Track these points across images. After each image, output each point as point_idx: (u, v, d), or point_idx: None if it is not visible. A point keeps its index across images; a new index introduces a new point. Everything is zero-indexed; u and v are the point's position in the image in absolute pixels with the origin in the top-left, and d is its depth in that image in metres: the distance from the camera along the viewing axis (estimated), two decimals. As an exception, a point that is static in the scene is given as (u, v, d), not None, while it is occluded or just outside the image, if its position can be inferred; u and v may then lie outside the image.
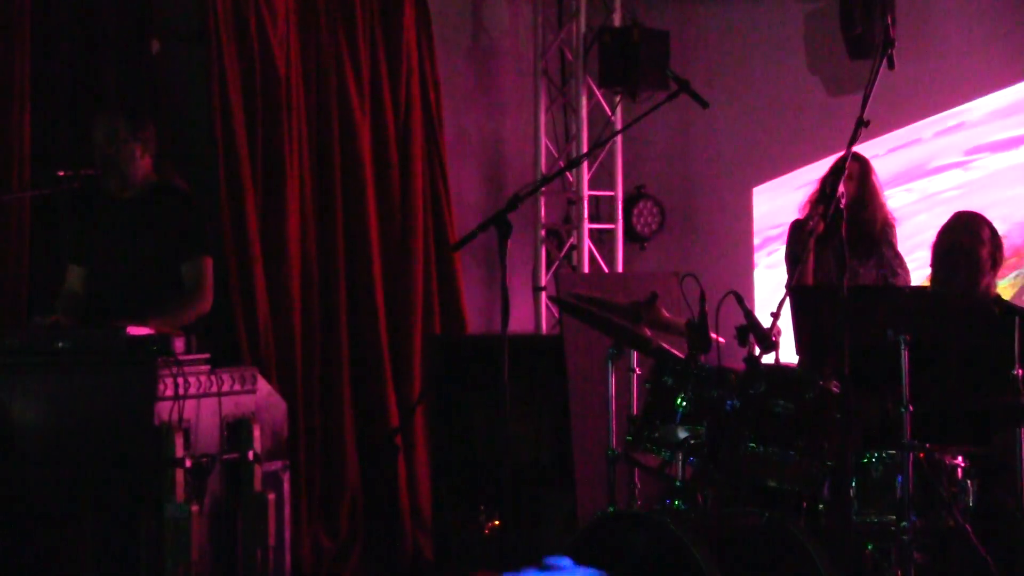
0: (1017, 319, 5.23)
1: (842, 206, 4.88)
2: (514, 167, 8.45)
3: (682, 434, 5.05)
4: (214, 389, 5.42)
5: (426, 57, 7.85)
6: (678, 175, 8.70)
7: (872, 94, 4.88)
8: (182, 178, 6.16)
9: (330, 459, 7.31)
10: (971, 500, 5.04)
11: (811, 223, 6.31)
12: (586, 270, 8.32)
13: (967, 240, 5.62)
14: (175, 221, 5.85)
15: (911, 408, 4.92)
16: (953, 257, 5.62)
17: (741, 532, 4.90)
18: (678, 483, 4.97)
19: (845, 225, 4.88)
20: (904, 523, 4.85)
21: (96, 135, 5.84)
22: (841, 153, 5.16)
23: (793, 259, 6.53)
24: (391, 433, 7.22)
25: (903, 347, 4.89)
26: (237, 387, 5.57)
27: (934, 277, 5.68)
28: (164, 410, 5.19)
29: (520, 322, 8.19)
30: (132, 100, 6.72)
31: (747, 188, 8.54)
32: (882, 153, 7.93)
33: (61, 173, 5.79)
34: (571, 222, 8.51)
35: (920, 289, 6.02)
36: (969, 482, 5.04)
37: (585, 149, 8.22)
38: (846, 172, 5.06)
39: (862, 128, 5.02)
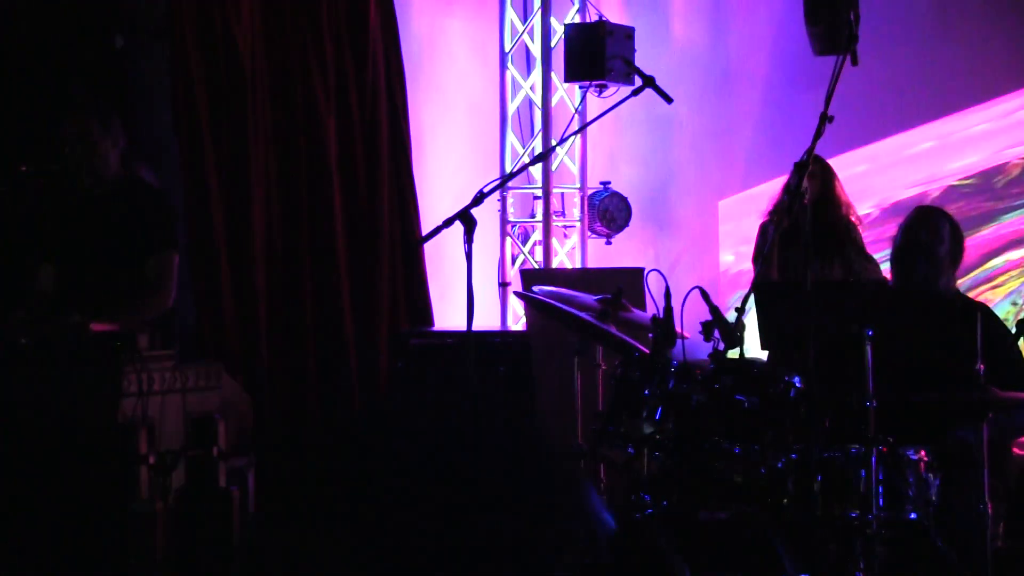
0: (979, 314, 5.25)
1: (806, 202, 4.90)
2: (481, 162, 8.45)
3: (648, 429, 5.06)
4: (178, 385, 5.40)
5: (391, 53, 7.84)
6: (645, 171, 8.71)
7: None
8: (151, 172, 6.14)
9: (296, 455, 7.29)
10: (934, 494, 5.06)
11: (776, 218, 6.34)
12: (551, 266, 8.33)
13: (926, 236, 5.64)
14: (142, 217, 5.83)
15: (874, 403, 4.94)
16: (912, 253, 5.64)
17: (707, 527, 4.92)
18: (644, 478, 4.98)
19: (810, 221, 4.90)
20: (868, 517, 4.87)
21: (67, 133, 5.81)
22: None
23: (760, 259, 6.57)
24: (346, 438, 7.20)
25: (866, 342, 4.91)
26: (202, 383, 5.55)
27: (894, 273, 5.70)
28: (128, 407, 5.17)
29: (485, 318, 8.19)
30: (97, 96, 6.70)
31: (714, 184, 8.56)
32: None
33: (23, 168, 5.77)
34: (536, 217, 8.51)
35: (881, 284, 6.04)
36: (932, 476, 5.07)
37: (551, 144, 8.23)
38: (809, 168, 5.08)
39: (826, 124, 5.05)
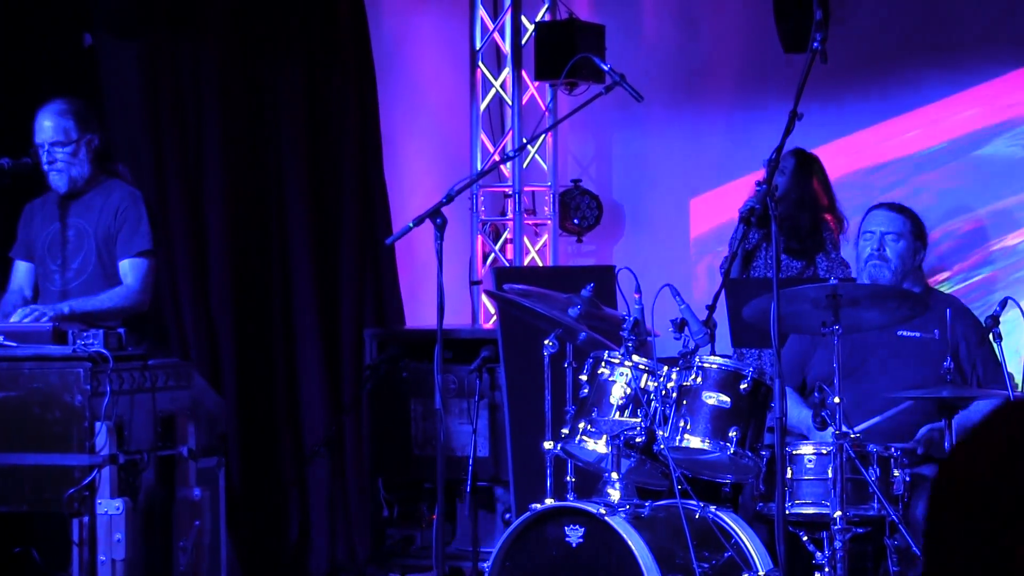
0: (948, 311, 5.27)
1: (774, 199, 4.91)
2: (451, 160, 8.44)
3: (618, 427, 5.06)
4: (148, 385, 5.38)
5: (361, 51, 7.82)
6: (616, 169, 8.71)
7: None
8: (128, 172, 6.12)
9: (266, 455, 7.28)
10: (903, 491, 5.08)
11: (747, 213, 6.33)
12: (522, 264, 8.32)
13: (889, 232, 5.65)
14: (119, 218, 5.82)
15: (842, 399, 4.96)
16: (878, 250, 5.65)
17: (677, 524, 4.92)
18: (614, 476, 4.99)
19: (778, 219, 4.91)
20: (835, 514, 4.88)
21: (43, 134, 5.78)
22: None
23: (734, 243, 6.57)
24: (317, 446, 7.21)
25: (835, 339, 4.92)
26: (171, 383, 5.53)
27: (860, 271, 5.72)
28: (96, 406, 5.15)
29: (456, 316, 8.18)
30: (72, 93, 6.67)
31: (685, 182, 8.56)
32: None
33: None
34: (507, 216, 8.51)
35: (847, 280, 6.06)
36: (899, 472, 5.08)
37: (521, 142, 8.22)
38: (778, 165, 5.09)
39: (796, 120, 5.07)
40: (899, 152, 7.86)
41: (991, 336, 5.26)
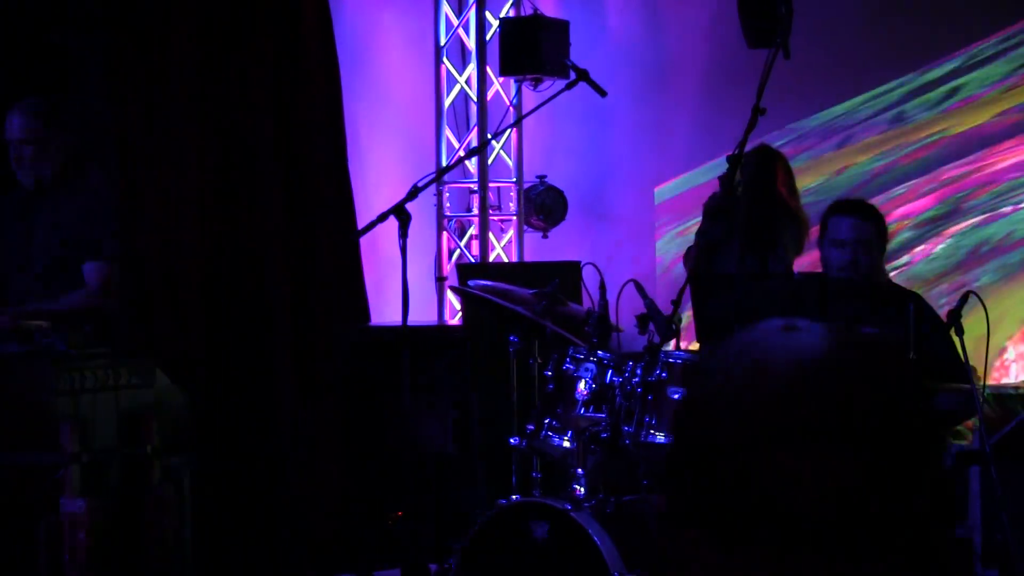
0: (911, 304, 5.29)
1: (736, 194, 4.92)
2: (416, 156, 8.43)
3: (583, 423, 5.07)
4: (111, 383, 5.36)
5: (326, 47, 7.80)
6: (581, 164, 8.72)
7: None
8: (99, 172, 6.09)
9: (234, 453, 7.25)
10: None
11: (709, 208, 6.35)
12: (488, 260, 8.32)
13: (853, 226, 5.67)
14: (85, 219, 5.79)
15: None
16: (842, 245, 5.66)
17: (642, 520, 4.93)
18: (579, 471, 4.99)
19: (742, 216, 4.92)
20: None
21: (12, 132, 5.75)
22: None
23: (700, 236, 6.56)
24: (286, 443, 7.19)
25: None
26: (135, 381, 5.51)
27: (825, 265, 5.72)
28: (60, 405, 5.12)
29: (422, 313, 8.17)
30: (41, 90, 6.63)
31: (650, 178, 8.58)
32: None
33: None
34: (472, 212, 8.50)
35: (816, 275, 6.07)
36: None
37: (486, 138, 8.22)
38: (740, 161, 5.10)
39: (759, 116, 5.08)
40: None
41: (952, 330, 5.28)
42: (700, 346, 6.26)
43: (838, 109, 8.17)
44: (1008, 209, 7.85)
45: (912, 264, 8.02)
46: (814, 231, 6.23)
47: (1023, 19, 7.93)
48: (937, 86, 8.01)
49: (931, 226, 8.00)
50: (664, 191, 8.55)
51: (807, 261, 6.67)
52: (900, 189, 8.02)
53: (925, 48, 8.01)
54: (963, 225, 7.96)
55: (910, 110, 8.07)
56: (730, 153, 5.18)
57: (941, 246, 8.01)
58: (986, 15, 7.95)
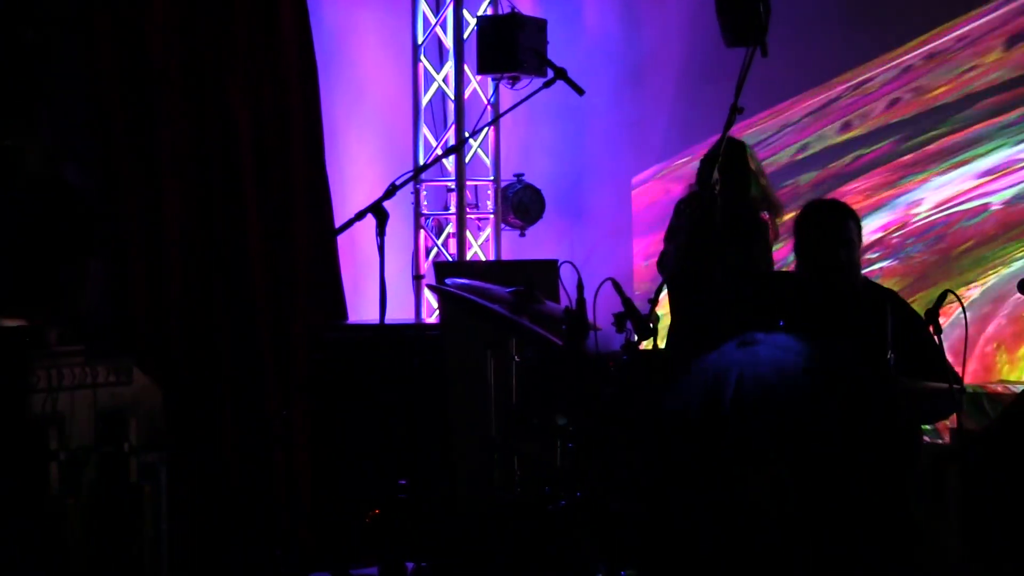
0: (888, 304, 5.31)
1: (716, 192, 4.94)
2: (394, 155, 8.43)
3: (561, 421, 5.08)
4: (89, 381, 5.35)
5: (304, 46, 7.80)
6: (558, 163, 8.73)
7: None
8: (76, 172, 6.08)
9: (210, 450, 7.25)
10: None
11: (686, 205, 6.35)
12: (466, 258, 8.32)
13: (834, 228, 5.68)
14: (59, 220, 5.78)
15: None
16: (825, 246, 5.67)
17: (619, 518, 4.94)
18: (557, 470, 5.00)
19: (719, 213, 4.94)
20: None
21: None
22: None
23: (670, 237, 6.55)
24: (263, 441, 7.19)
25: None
26: (112, 379, 5.51)
27: (805, 267, 5.72)
28: (38, 402, 5.12)
29: (399, 311, 8.18)
30: (14, 92, 6.62)
31: (627, 176, 8.60)
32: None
33: None
34: (450, 210, 8.51)
35: (788, 274, 6.09)
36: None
37: (464, 136, 8.23)
38: (718, 159, 5.12)
39: (736, 114, 5.10)
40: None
41: (931, 329, 5.30)
42: (674, 350, 6.26)
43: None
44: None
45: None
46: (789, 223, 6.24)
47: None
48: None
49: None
50: (641, 189, 8.57)
51: (778, 257, 6.70)
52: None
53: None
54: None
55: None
56: (704, 154, 5.20)
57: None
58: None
